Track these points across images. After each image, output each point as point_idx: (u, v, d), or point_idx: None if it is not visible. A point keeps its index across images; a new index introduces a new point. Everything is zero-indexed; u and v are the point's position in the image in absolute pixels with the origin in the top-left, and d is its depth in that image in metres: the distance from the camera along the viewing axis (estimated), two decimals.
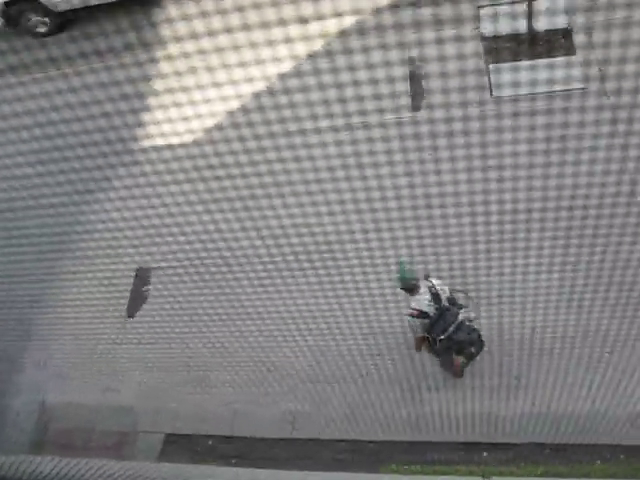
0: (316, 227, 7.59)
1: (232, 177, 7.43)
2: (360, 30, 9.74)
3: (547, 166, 7.66)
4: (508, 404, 7.08)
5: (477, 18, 10.28)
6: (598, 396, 6.81)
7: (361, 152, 8.50)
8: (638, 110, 7.97)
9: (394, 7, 10.00)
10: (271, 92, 9.20)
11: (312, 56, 9.74)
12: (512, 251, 6.88)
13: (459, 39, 9.59)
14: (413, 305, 6.38)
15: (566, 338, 7.05)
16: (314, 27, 9.44)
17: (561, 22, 9.94)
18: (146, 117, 9.39)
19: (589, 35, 9.64)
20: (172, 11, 9.85)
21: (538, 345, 7.16)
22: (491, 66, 9.72)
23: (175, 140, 8.42)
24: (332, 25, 10.14)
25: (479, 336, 6.53)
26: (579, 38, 9.73)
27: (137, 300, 8.48)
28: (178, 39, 9.10)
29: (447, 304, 6.44)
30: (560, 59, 9.56)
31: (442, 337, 6.43)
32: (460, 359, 6.69)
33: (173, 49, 9.58)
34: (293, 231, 7.49)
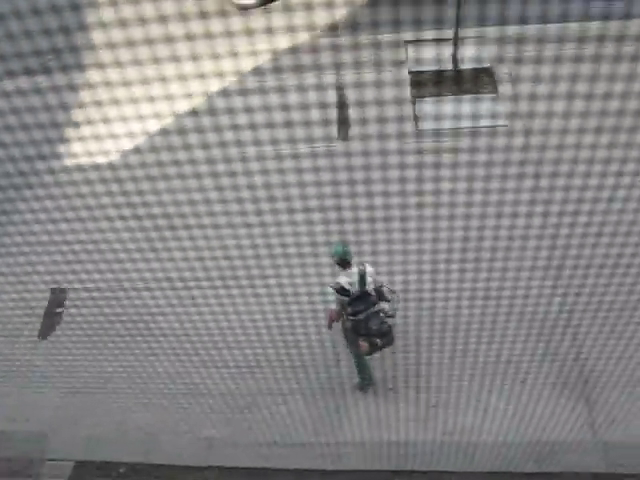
0: (235, 254, 7.58)
1: (148, 205, 7.33)
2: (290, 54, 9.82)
3: (469, 205, 7.88)
4: (425, 431, 7.16)
5: (405, 53, 10.54)
6: (512, 424, 6.96)
7: (273, 183, 8.47)
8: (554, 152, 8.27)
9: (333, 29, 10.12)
10: (195, 112, 9.15)
11: (240, 79, 9.74)
12: (432, 282, 7.00)
13: (387, 73, 9.81)
14: (338, 279, 6.62)
15: (486, 365, 7.19)
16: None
17: (485, 61, 10.29)
18: (64, 134, 9.23)
19: (511, 75, 10.00)
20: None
21: (457, 370, 7.27)
22: (417, 100, 10.00)
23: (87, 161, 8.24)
24: (262, 45, 10.19)
25: (389, 331, 6.69)
26: (502, 78, 10.06)
27: (51, 321, 8.28)
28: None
29: (371, 291, 6.64)
30: (483, 96, 9.89)
31: (352, 318, 6.65)
32: (365, 345, 6.78)
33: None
34: (208, 254, 7.45)
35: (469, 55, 10.03)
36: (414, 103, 10.00)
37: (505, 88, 9.99)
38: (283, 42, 10.02)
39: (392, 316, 6.73)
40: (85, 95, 8.99)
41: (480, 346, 7.18)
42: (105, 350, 7.64)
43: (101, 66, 8.40)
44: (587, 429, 6.98)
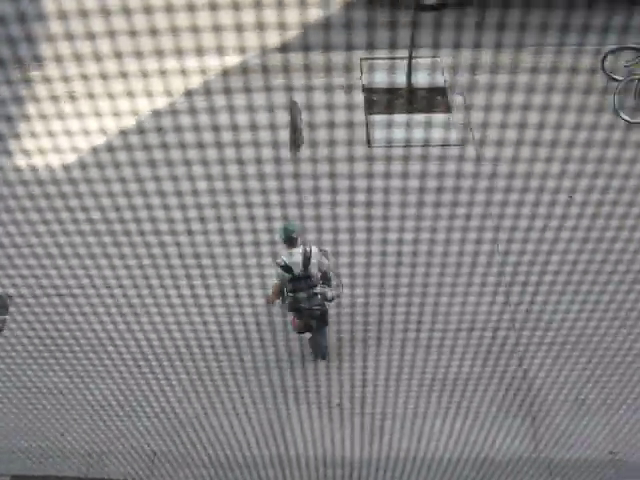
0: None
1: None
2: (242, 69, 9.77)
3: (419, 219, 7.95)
4: (369, 449, 7.16)
5: (359, 68, 10.56)
6: (457, 443, 7.02)
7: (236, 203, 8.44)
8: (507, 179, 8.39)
9: (282, 50, 10.16)
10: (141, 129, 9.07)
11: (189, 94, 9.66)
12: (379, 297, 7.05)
13: (340, 87, 9.83)
14: (282, 257, 6.78)
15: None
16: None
17: (439, 80, 10.35)
18: None
19: (465, 96, 10.10)
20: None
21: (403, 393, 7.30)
22: (370, 117, 10.00)
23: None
24: (212, 64, 10.15)
25: (324, 315, 6.94)
26: (456, 98, 10.15)
27: None
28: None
29: (314, 273, 6.78)
30: (436, 116, 9.97)
31: (290, 295, 6.83)
32: (298, 322, 7.00)
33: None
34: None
35: (424, 74, 10.13)
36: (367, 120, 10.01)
37: (458, 109, 10.09)
38: (234, 60, 9.95)
39: (331, 300, 6.89)
40: (29, 106, 8.81)
41: (427, 363, 7.23)
42: (45, 362, 7.43)
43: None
44: (532, 448, 7.08)
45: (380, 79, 10.29)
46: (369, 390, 7.23)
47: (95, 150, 8.57)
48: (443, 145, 9.52)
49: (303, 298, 6.85)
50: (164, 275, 7.50)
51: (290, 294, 6.88)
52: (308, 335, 7.37)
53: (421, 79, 10.12)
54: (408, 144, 9.38)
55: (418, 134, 9.70)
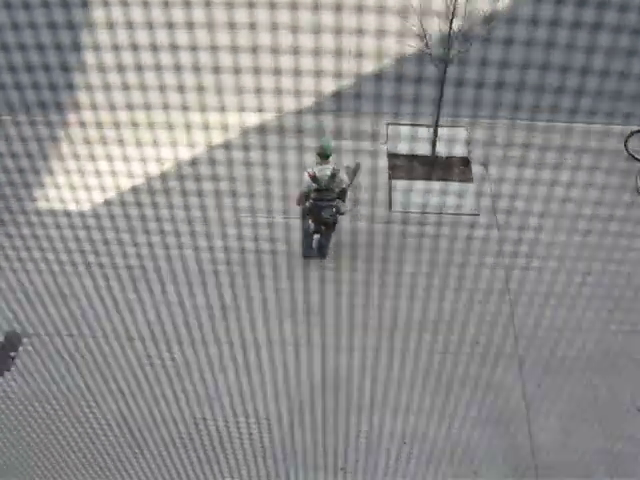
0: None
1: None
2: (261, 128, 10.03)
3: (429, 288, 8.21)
4: None
5: (385, 134, 10.80)
6: None
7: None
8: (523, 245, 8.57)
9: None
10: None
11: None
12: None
13: (364, 152, 10.06)
14: (314, 168, 7.96)
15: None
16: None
17: (461, 151, 10.57)
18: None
19: (486, 168, 10.32)
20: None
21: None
22: (392, 182, 10.23)
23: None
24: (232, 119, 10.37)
25: (334, 224, 8.34)
26: (476, 169, 10.34)
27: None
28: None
29: (335, 189, 8.07)
30: (457, 185, 10.17)
31: (312, 201, 8.12)
32: (310, 223, 8.45)
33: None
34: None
35: (448, 141, 10.37)
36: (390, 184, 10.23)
37: (481, 179, 10.29)
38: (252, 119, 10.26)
39: (343, 214, 8.34)
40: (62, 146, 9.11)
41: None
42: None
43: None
44: None
45: (404, 145, 10.53)
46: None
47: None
48: (461, 214, 9.66)
49: (321, 207, 8.15)
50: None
51: (311, 201, 8.12)
52: (317, 236, 8.69)
53: (445, 147, 10.34)
54: (429, 211, 9.56)
55: (439, 200, 9.89)
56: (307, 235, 8.86)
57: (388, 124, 10.84)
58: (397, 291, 8.11)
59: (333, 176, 7.99)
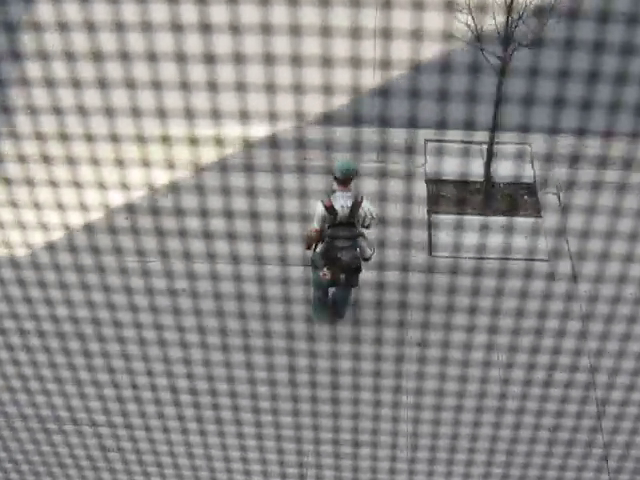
0: None
1: None
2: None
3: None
4: None
5: (423, 154, 9.25)
6: None
7: None
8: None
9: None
10: None
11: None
12: None
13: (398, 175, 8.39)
14: (330, 197, 6.89)
15: None
16: None
17: (528, 175, 9.07)
18: None
19: (559, 198, 8.78)
20: None
21: None
22: (433, 217, 8.65)
23: None
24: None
25: (358, 270, 7.11)
26: (548, 199, 8.81)
27: None
28: None
29: (358, 225, 7.03)
30: (521, 220, 8.59)
31: (327, 240, 7.01)
32: (328, 274, 7.08)
33: None
34: None
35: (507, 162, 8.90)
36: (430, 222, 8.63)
37: (551, 214, 8.76)
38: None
39: (368, 259, 7.08)
40: None
41: None
42: None
43: None
44: None
45: (449, 168, 8.95)
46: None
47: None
48: (526, 259, 7.91)
49: (339, 248, 7.00)
50: None
51: (327, 240, 7.04)
52: (333, 290, 7.51)
53: (503, 170, 8.78)
54: (482, 254, 7.93)
55: (495, 241, 8.25)
56: (320, 291, 7.53)
57: (427, 141, 9.30)
58: (442, 370, 6.28)
59: (356, 205, 6.93)
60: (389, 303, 7.78)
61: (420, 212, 8.64)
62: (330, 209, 6.92)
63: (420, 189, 8.86)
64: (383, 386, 6.68)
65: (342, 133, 8.54)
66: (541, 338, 6.40)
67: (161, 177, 7.72)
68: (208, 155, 8.38)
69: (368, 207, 7.00)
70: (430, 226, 8.55)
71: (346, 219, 6.97)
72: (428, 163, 9.17)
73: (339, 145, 7.56)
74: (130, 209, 7.60)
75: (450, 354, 6.13)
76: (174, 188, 7.94)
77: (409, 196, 8.21)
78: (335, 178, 6.96)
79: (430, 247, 8.36)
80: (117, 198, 7.34)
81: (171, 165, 6.77)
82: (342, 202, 6.94)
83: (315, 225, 6.95)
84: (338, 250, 7.01)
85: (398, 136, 8.47)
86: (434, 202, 8.81)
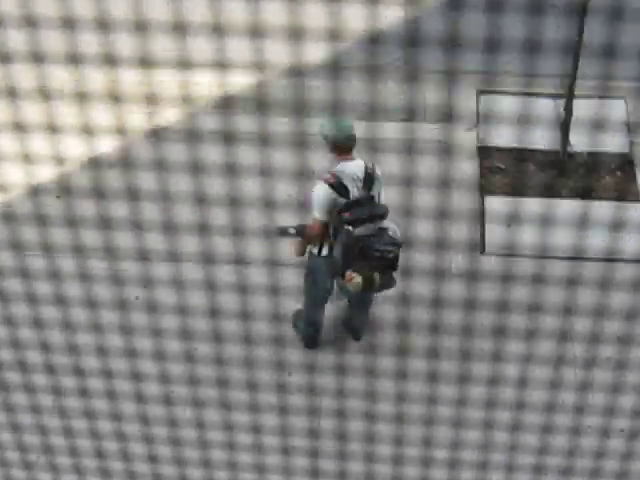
0: None
1: None
2: None
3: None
4: None
5: (474, 112, 7.56)
6: None
7: None
8: None
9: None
10: None
11: None
12: None
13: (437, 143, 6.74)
14: (334, 169, 5.70)
15: None
16: None
17: (619, 143, 7.41)
18: None
19: None
20: None
21: None
22: (487, 200, 7.04)
23: None
24: None
25: (395, 262, 5.72)
26: None
27: None
28: None
29: (378, 199, 5.92)
30: (611, 206, 6.95)
31: (347, 229, 5.76)
32: (355, 277, 5.69)
33: None
34: None
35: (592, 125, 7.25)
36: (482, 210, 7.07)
37: None
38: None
39: (399, 245, 5.79)
40: None
41: None
42: None
43: None
44: None
45: (509, 132, 7.42)
46: None
47: None
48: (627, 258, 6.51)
49: (367, 236, 5.73)
50: None
51: (347, 229, 5.83)
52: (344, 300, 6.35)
53: (586, 137, 7.15)
54: (555, 254, 6.48)
55: (575, 235, 6.28)
56: (318, 311, 6.20)
57: (480, 92, 7.70)
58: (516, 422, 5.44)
59: (370, 174, 5.72)
60: (418, 322, 6.08)
61: (467, 193, 6.97)
62: (338, 186, 5.69)
63: (467, 161, 7.24)
64: (408, 457, 5.04)
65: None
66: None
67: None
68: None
69: (379, 174, 5.93)
70: (482, 213, 6.91)
71: (363, 195, 5.79)
72: (481, 125, 7.49)
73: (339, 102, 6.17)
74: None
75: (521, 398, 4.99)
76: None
77: (449, 170, 6.49)
78: (333, 146, 5.73)
79: (483, 243, 6.80)
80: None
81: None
82: (351, 174, 5.75)
83: (317, 215, 5.62)
84: (364, 240, 5.71)
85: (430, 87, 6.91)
86: (488, 179, 7.22)
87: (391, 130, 6.42)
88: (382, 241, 5.69)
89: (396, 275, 5.83)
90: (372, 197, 5.83)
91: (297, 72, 6.90)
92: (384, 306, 6.17)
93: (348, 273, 5.69)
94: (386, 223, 5.80)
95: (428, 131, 6.92)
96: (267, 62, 6.88)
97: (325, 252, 5.83)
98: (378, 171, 5.84)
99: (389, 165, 5.51)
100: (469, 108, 7.52)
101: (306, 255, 5.83)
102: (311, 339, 6.42)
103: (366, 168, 5.77)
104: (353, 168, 5.75)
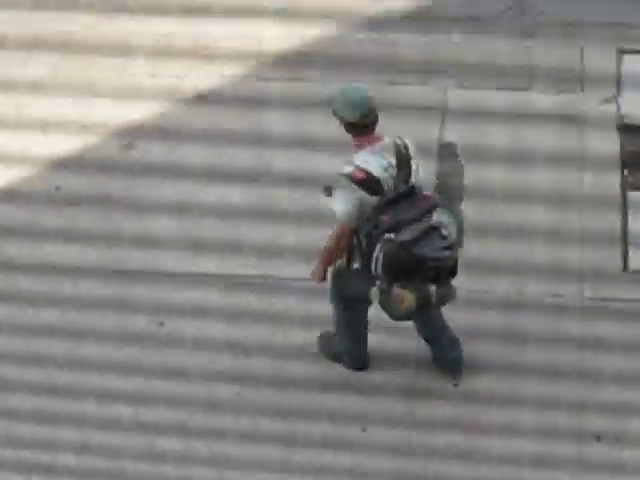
0: None
1: None
2: None
3: None
4: None
5: (615, 77, 6.06)
6: None
7: None
8: None
9: None
10: None
11: None
12: None
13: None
14: (358, 162, 4.60)
15: None
16: None
17: None
18: None
19: None
20: None
21: None
22: (630, 195, 5.67)
23: None
24: None
25: (455, 266, 4.69)
26: None
27: None
28: None
29: (420, 188, 4.87)
30: None
31: (389, 236, 4.63)
32: (405, 294, 4.59)
33: None
34: None
35: None
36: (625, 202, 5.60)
37: None
38: None
39: (452, 247, 4.62)
40: None
41: None
42: None
43: None
44: None
45: None
46: None
47: None
48: None
49: (415, 238, 4.58)
50: None
51: (386, 237, 4.64)
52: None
53: None
54: None
55: None
56: (359, 344, 5.32)
57: (621, 52, 6.29)
58: None
59: (405, 156, 4.68)
60: (533, 365, 4.67)
61: (605, 184, 5.49)
62: (368, 181, 4.71)
63: (606, 143, 5.70)
64: None
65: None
66: None
67: None
68: None
69: (413, 148, 4.95)
70: (625, 212, 5.37)
71: (401, 188, 4.85)
72: (624, 95, 5.93)
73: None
74: None
75: None
76: None
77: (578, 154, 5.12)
78: (349, 126, 4.69)
79: (626, 255, 5.29)
80: None
81: None
82: (381, 162, 4.78)
83: (344, 223, 4.67)
84: (412, 248, 4.67)
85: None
86: (635, 168, 5.70)
87: (499, 100, 5.07)
88: (435, 245, 4.66)
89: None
90: (412, 188, 4.80)
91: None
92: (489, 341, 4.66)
93: (396, 291, 4.66)
94: (435, 217, 4.71)
95: (548, 102, 5.53)
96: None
97: (357, 265, 4.79)
98: (412, 145, 4.81)
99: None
100: (606, 72, 6.00)
101: (328, 275, 4.75)
102: (361, 367, 5.42)
103: (397, 147, 4.73)
104: (381, 152, 4.74)
